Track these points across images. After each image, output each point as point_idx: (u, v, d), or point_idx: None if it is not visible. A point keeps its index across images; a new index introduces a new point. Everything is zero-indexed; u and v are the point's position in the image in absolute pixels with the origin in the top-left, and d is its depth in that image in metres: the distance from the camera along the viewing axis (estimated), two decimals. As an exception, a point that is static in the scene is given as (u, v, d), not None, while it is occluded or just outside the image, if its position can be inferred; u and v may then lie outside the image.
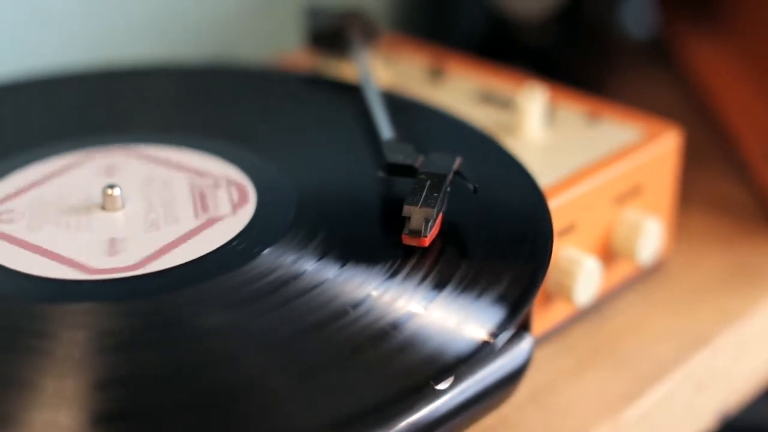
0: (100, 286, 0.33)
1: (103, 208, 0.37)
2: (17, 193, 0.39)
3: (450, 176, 0.36)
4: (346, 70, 0.49)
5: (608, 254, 0.43)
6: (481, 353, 0.31)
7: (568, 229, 0.41)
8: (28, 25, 0.54)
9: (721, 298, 0.45)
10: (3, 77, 0.48)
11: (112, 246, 0.35)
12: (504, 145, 0.41)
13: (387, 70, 0.51)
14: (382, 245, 0.35)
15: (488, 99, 0.48)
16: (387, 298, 0.33)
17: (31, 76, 0.47)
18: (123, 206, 0.37)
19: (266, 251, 0.34)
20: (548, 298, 0.41)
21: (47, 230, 0.36)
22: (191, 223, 0.36)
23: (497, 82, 0.49)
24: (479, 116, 0.46)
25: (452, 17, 0.61)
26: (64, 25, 0.55)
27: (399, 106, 0.44)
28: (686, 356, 0.42)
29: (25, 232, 0.36)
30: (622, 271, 0.45)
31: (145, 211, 0.37)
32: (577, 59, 0.59)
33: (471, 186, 0.36)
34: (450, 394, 0.31)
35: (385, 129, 0.41)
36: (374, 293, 0.33)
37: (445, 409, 0.31)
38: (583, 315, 0.44)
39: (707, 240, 0.49)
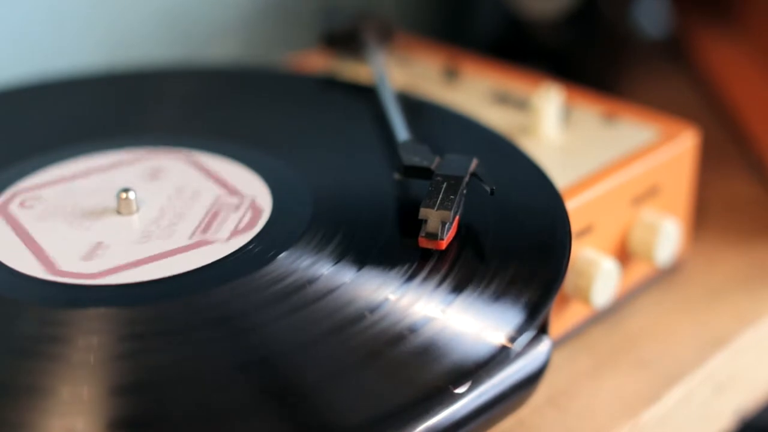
0: (113, 292, 0.33)
1: (118, 211, 0.37)
2: (55, 182, 0.39)
3: (466, 178, 0.36)
4: (361, 71, 0.49)
5: (626, 255, 0.43)
6: (500, 357, 0.31)
7: (586, 231, 0.41)
8: (45, 26, 0.54)
9: (740, 299, 0.45)
10: (27, 79, 0.48)
11: (94, 250, 0.35)
12: (520, 147, 0.41)
13: (402, 71, 0.50)
14: (399, 248, 0.35)
15: (504, 100, 0.47)
16: (404, 301, 0.32)
17: (60, 76, 0.47)
18: (138, 210, 0.37)
19: (282, 255, 0.34)
20: (566, 300, 0.41)
21: (51, 223, 0.37)
22: (183, 241, 0.36)
23: (513, 82, 0.49)
24: (495, 117, 0.46)
25: (467, 18, 0.61)
26: (78, 28, 0.55)
27: (414, 107, 0.44)
28: (705, 357, 0.42)
29: (32, 221, 0.37)
30: (640, 272, 0.44)
31: (155, 220, 0.37)
32: (592, 59, 0.58)
33: (488, 188, 0.36)
34: (468, 398, 0.30)
35: (401, 130, 0.40)
36: (391, 297, 0.33)
37: (463, 412, 0.30)
38: (600, 316, 0.43)
39: (725, 240, 0.49)
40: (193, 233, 0.36)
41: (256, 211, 0.36)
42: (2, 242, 0.36)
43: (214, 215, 0.37)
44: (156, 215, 0.37)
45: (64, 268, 0.34)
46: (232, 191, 0.38)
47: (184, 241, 0.35)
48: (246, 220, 0.36)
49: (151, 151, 0.41)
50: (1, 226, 0.37)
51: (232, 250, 0.35)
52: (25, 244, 0.36)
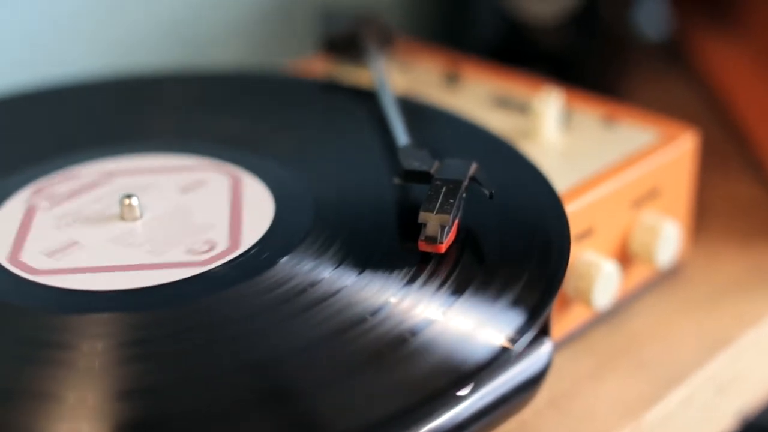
0: (114, 297, 0.33)
1: (121, 217, 0.37)
2: (92, 177, 0.40)
3: (466, 182, 0.36)
4: (362, 75, 0.49)
5: (626, 258, 0.43)
6: (501, 359, 0.31)
7: (586, 233, 0.41)
8: (49, 35, 0.54)
9: (741, 300, 0.45)
10: (41, 84, 0.48)
11: (64, 249, 0.35)
12: (520, 150, 0.41)
13: (402, 76, 0.51)
14: (399, 252, 0.35)
15: (504, 104, 0.47)
16: (405, 304, 0.33)
17: (76, 81, 0.48)
18: (141, 217, 0.37)
19: (284, 259, 0.34)
20: (567, 303, 0.41)
21: (56, 216, 0.37)
22: (155, 258, 0.35)
23: (513, 86, 0.49)
24: (495, 121, 0.46)
25: (467, 22, 0.61)
26: (81, 37, 0.55)
27: (414, 111, 0.44)
28: (706, 359, 0.42)
29: (45, 211, 0.38)
30: (641, 274, 0.44)
31: (149, 231, 0.37)
32: (592, 62, 0.59)
33: (487, 192, 0.36)
34: (470, 400, 0.31)
35: (401, 135, 0.41)
36: (392, 300, 0.33)
37: (465, 415, 0.30)
38: (601, 319, 0.44)
39: (725, 242, 0.49)
40: (171, 250, 0.36)
41: (234, 243, 0.36)
42: (3, 224, 0.37)
43: (202, 234, 0.36)
44: (154, 226, 0.37)
45: (23, 258, 0.35)
46: (235, 208, 0.38)
47: (157, 258, 0.35)
48: (221, 248, 0.36)
49: (199, 162, 0.41)
50: (18, 210, 0.38)
51: (263, 232, 0.35)
52: (18, 231, 0.36)
